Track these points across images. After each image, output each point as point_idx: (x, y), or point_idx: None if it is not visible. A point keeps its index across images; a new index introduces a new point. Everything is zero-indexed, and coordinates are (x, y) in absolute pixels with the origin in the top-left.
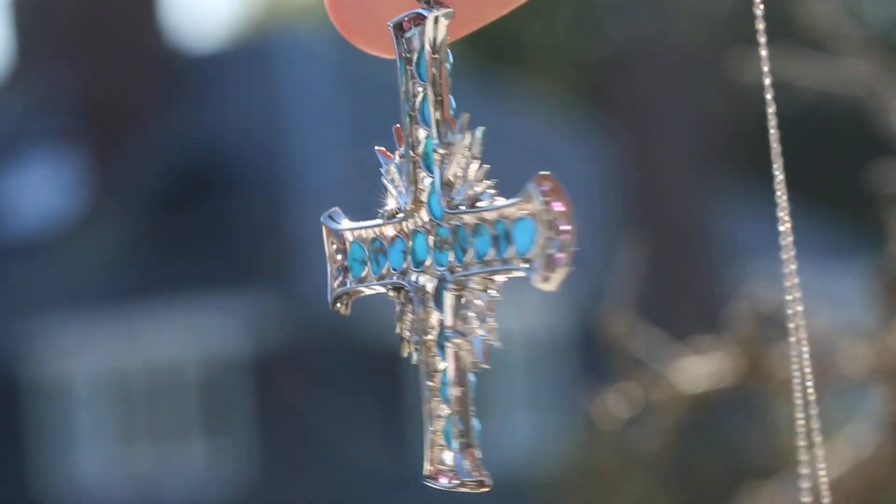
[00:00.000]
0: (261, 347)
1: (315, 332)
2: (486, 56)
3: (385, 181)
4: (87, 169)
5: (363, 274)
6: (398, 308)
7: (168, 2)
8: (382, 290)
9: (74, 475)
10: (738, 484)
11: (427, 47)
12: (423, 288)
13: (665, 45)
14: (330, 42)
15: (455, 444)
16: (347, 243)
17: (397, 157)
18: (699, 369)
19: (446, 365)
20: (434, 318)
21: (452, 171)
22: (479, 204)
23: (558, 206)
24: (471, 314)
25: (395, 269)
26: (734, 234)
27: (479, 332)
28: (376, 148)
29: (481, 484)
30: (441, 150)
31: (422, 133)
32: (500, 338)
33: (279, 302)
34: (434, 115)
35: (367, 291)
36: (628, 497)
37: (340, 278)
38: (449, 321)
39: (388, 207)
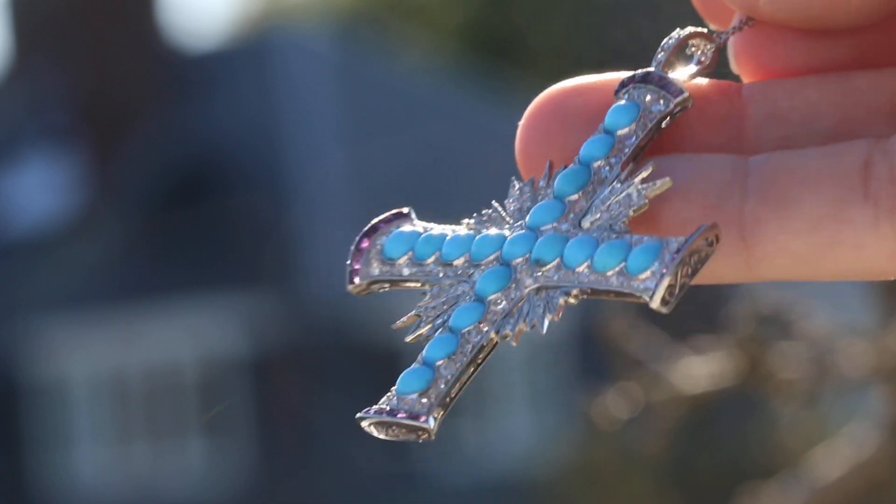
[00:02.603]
0: (260, 347)
1: (315, 332)
2: (488, 56)
3: (506, 201)
4: (86, 168)
5: (428, 259)
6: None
7: (167, 1)
8: (415, 273)
9: (73, 475)
10: (738, 484)
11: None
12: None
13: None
14: (329, 41)
15: (424, 386)
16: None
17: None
18: (699, 369)
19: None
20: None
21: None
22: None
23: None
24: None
25: (474, 258)
26: None
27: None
28: (513, 180)
29: (418, 431)
30: (597, 177)
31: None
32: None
33: (279, 302)
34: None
35: (404, 275)
36: (628, 497)
37: (375, 260)
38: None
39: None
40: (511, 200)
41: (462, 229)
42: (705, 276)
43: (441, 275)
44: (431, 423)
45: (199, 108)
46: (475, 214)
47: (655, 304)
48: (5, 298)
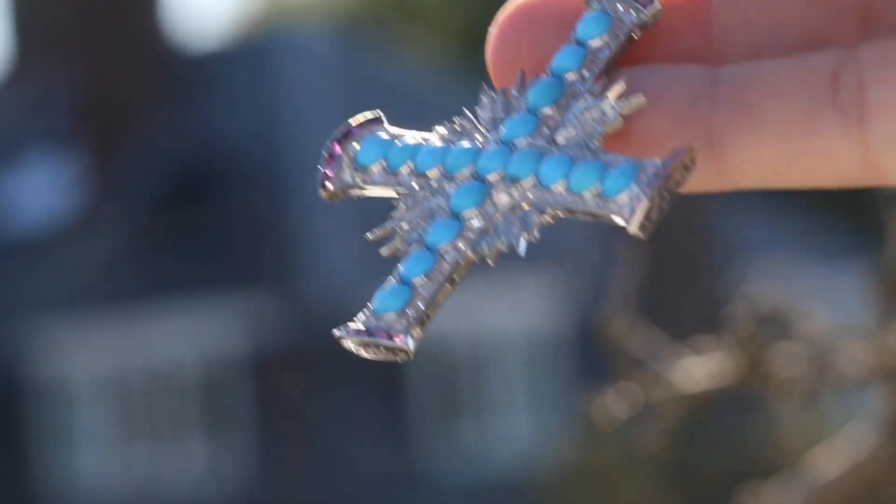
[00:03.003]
0: (260, 347)
1: (315, 332)
2: (484, 54)
3: (477, 109)
4: (87, 169)
5: (398, 168)
6: (403, 204)
7: (167, 1)
8: (391, 182)
9: (74, 475)
10: (738, 484)
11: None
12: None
13: None
14: (330, 42)
15: (402, 305)
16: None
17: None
18: (699, 369)
19: (459, 254)
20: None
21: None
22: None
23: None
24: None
25: (448, 170)
26: (734, 234)
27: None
28: (482, 84)
29: (396, 351)
30: (568, 91)
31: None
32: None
33: (279, 302)
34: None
35: (373, 181)
36: (628, 497)
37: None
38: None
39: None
40: (483, 111)
41: (434, 138)
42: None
43: (415, 185)
44: (410, 344)
45: (200, 109)
46: (446, 123)
47: (633, 227)
48: (6, 298)
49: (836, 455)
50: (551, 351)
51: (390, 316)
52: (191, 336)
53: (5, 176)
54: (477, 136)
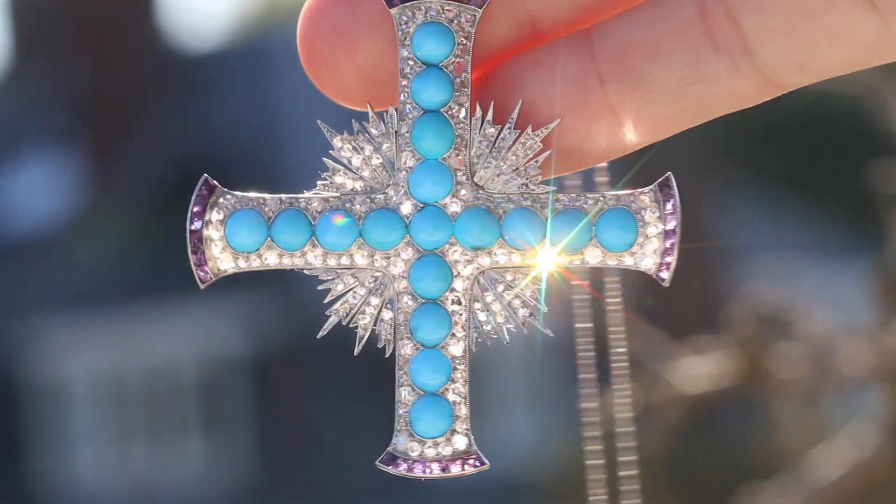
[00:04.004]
0: (260, 347)
1: (314, 332)
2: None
3: (340, 157)
4: (86, 169)
5: (304, 248)
6: (357, 298)
7: (167, 1)
8: (333, 267)
9: (72, 475)
10: (738, 484)
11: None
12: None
13: None
14: None
15: (450, 424)
16: (269, 210)
17: (374, 134)
18: (699, 369)
19: (461, 350)
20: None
21: (476, 152)
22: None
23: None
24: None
25: (378, 247)
26: (734, 234)
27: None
28: (319, 123)
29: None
30: (464, 130)
31: (411, 110)
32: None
33: (278, 302)
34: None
35: (316, 266)
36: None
37: (248, 251)
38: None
39: (338, 182)
40: (354, 158)
41: (316, 203)
42: (589, 158)
43: (331, 263)
44: (485, 461)
45: (199, 108)
46: (319, 182)
47: (667, 282)
48: (5, 298)
49: (836, 455)
50: (551, 351)
51: (443, 440)
52: (190, 336)
53: (4, 175)
54: (374, 194)
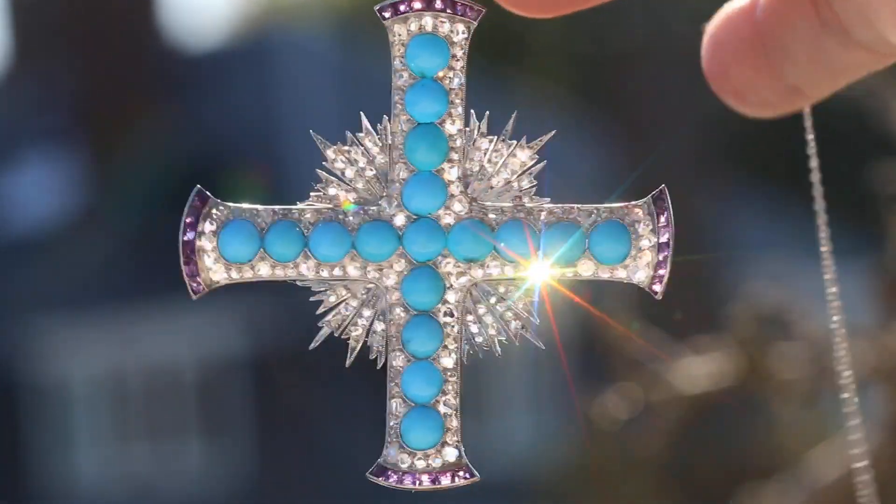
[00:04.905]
0: (260, 347)
1: (314, 332)
2: (485, 54)
3: (333, 168)
4: (85, 168)
5: (297, 259)
6: (350, 310)
7: (167, 1)
8: (326, 278)
9: (72, 476)
10: (738, 484)
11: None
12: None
13: (664, 46)
14: (329, 41)
15: (440, 436)
16: (262, 221)
17: (368, 146)
18: (699, 369)
19: (453, 359)
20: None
21: (469, 164)
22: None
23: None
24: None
25: (371, 259)
26: (734, 234)
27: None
28: (312, 133)
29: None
30: (458, 141)
31: (404, 122)
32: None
33: (277, 302)
34: (456, 104)
35: (309, 278)
36: (628, 497)
37: (241, 261)
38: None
39: (331, 194)
40: (348, 169)
41: (309, 214)
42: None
43: (324, 275)
44: (475, 474)
45: (199, 109)
46: (313, 194)
47: (659, 295)
48: (5, 298)
49: (836, 455)
50: (551, 351)
51: (432, 452)
52: (189, 336)
53: (4, 175)
54: (367, 206)
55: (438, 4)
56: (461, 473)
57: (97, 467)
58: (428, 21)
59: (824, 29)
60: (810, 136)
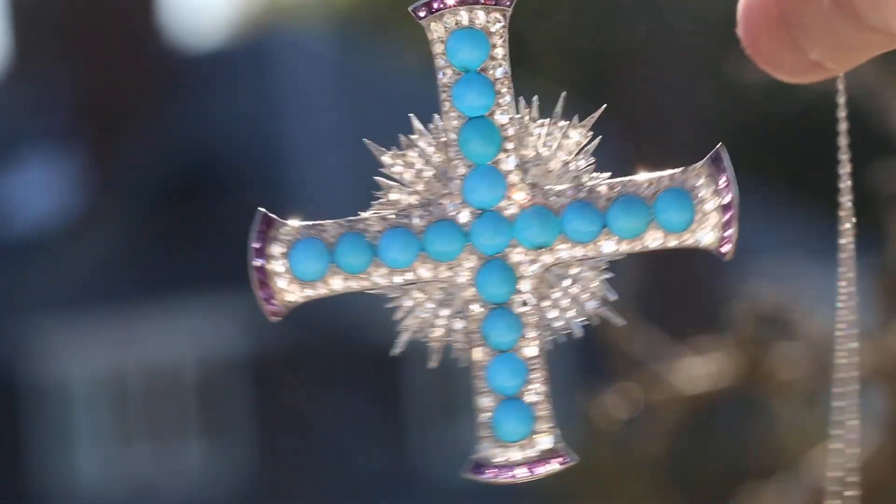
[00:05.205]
0: (260, 347)
1: (314, 332)
2: None
3: (391, 173)
4: (86, 169)
5: (368, 269)
6: (427, 312)
7: (166, 1)
8: (400, 284)
9: (72, 475)
10: (738, 484)
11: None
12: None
13: (664, 44)
14: (329, 41)
15: (531, 427)
16: (329, 236)
17: (423, 147)
18: (699, 369)
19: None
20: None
21: (525, 151)
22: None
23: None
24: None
25: (441, 259)
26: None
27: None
28: (366, 141)
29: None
30: (510, 130)
31: (455, 117)
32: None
33: None
34: (504, 91)
35: (383, 285)
36: (628, 497)
37: (315, 278)
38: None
39: (393, 199)
40: (406, 173)
41: (375, 223)
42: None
43: (398, 281)
44: (574, 456)
45: (199, 108)
46: (374, 202)
47: (729, 255)
48: (5, 298)
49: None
50: (551, 351)
51: (528, 443)
52: (190, 336)
53: (4, 175)
54: (422, 208)
55: None
56: (558, 459)
57: (97, 467)
58: (463, 15)
59: (838, 9)
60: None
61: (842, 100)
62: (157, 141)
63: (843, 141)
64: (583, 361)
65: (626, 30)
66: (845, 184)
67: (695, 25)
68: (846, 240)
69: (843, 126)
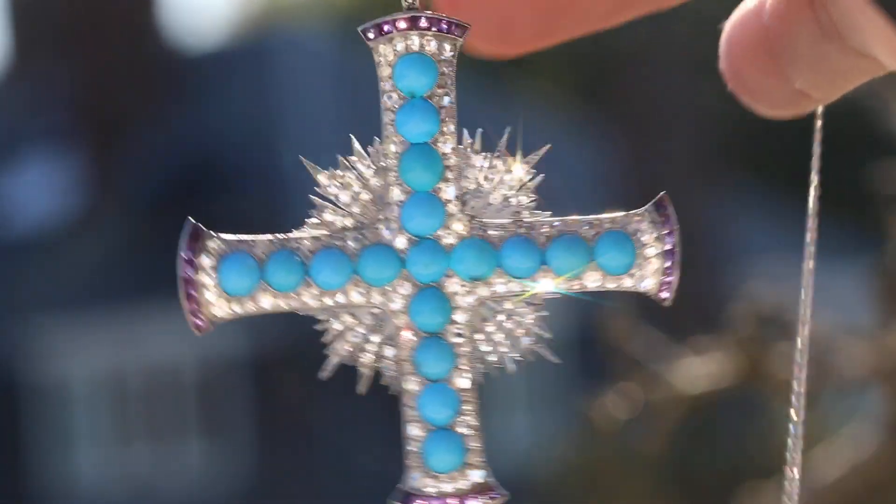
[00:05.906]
0: (260, 347)
1: (314, 332)
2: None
3: (327, 194)
4: (86, 169)
5: (298, 288)
6: (358, 337)
7: (166, 1)
8: (330, 306)
9: (72, 476)
10: (738, 484)
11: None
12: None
13: (665, 44)
14: (329, 41)
15: (462, 458)
16: (260, 252)
17: (361, 169)
18: (699, 369)
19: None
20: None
21: (465, 182)
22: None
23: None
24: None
25: (374, 283)
26: (734, 234)
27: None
28: (302, 159)
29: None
30: (453, 160)
31: (394, 145)
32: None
33: None
34: (447, 125)
35: (312, 307)
36: (628, 497)
37: (245, 292)
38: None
39: (327, 220)
40: (342, 194)
41: (308, 242)
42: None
43: (329, 303)
44: (504, 493)
45: (199, 109)
46: (307, 220)
47: (668, 301)
48: (5, 298)
49: (836, 455)
50: (551, 351)
51: (456, 475)
52: (190, 336)
53: (4, 175)
54: (357, 231)
55: (423, 23)
56: (489, 494)
57: (97, 467)
58: (415, 40)
59: (823, 34)
60: (816, 142)
61: (819, 123)
62: (157, 141)
63: (816, 149)
64: (583, 362)
65: (625, 30)
66: (813, 196)
67: (695, 27)
68: (810, 253)
69: (817, 149)
